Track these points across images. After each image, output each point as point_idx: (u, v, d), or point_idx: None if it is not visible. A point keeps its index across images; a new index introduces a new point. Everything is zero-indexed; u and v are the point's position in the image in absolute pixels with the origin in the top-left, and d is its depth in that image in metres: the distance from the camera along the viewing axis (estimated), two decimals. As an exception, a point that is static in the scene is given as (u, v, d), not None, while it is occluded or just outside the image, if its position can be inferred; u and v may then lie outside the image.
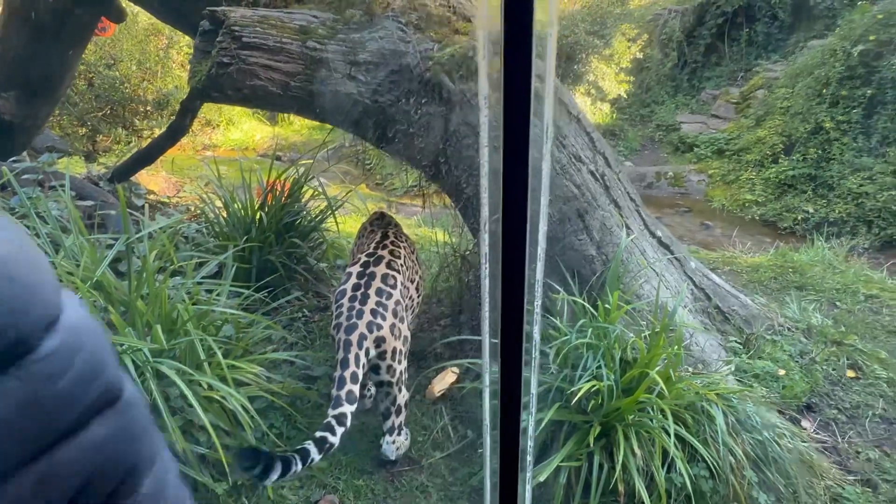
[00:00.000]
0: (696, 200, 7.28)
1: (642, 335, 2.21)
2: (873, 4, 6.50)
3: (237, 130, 11.76)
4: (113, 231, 2.91)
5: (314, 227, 3.77)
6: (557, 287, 2.47)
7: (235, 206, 3.54)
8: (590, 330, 2.17)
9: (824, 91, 6.43)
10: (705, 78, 9.54)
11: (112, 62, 8.58)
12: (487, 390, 0.62)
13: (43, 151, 6.03)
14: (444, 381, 2.75)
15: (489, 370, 0.62)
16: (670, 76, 9.69)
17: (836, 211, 6.00)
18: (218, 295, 2.51)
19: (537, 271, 0.72)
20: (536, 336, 0.68)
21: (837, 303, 3.79)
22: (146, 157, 4.39)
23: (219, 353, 2.05)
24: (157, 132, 9.69)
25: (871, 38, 6.05)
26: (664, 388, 1.97)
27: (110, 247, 2.57)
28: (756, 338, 2.88)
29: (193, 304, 2.28)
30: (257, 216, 3.48)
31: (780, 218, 6.45)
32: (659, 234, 2.89)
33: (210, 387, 2.02)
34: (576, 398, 1.94)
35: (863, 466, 2.36)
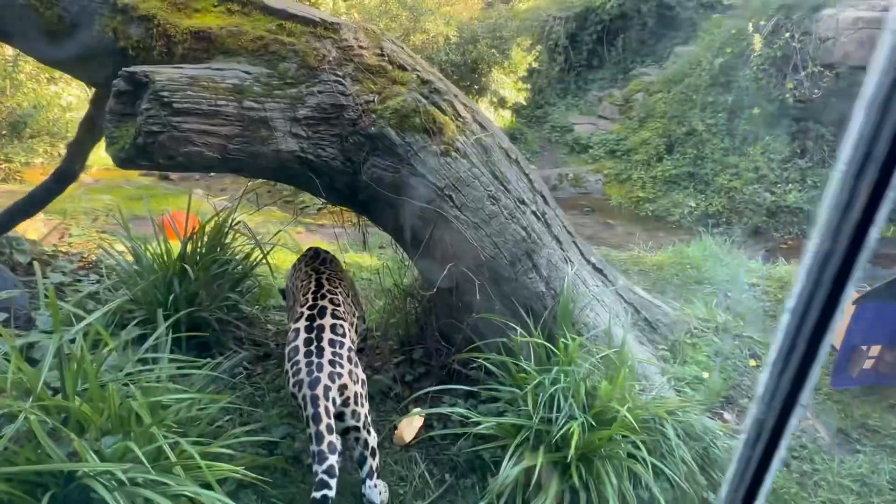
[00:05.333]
0: (596, 199, 7.91)
1: (600, 369, 2.42)
2: (726, 18, 7.44)
3: (113, 148, 10.53)
4: (22, 318, 2.54)
5: (245, 274, 3.57)
6: (515, 325, 2.61)
7: (147, 255, 3.24)
8: (555, 369, 2.33)
9: (694, 97, 7.29)
10: (590, 80, 10.31)
11: (-51, 81, 7.33)
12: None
13: None
14: (412, 426, 2.78)
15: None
16: (559, 79, 10.33)
17: (713, 204, 6.87)
18: (159, 374, 2.33)
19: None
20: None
21: (728, 294, 4.36)
22: (27, 208, 3.82)
23: (190, 449, 1.92)
24: (16, 159, 8.43)
25: (729, 50, 6.95)
26: (630, 418, 2.18)
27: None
28: (679, 343, 3.26)
29: (140, 390, 2.10)
30: (177, 268, 3.19)
31: (669, 213, 7.25)
32: (593, 259, 3.14)
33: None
34: (554, 439, 2.10)
35: (776, 449, 2.80)
